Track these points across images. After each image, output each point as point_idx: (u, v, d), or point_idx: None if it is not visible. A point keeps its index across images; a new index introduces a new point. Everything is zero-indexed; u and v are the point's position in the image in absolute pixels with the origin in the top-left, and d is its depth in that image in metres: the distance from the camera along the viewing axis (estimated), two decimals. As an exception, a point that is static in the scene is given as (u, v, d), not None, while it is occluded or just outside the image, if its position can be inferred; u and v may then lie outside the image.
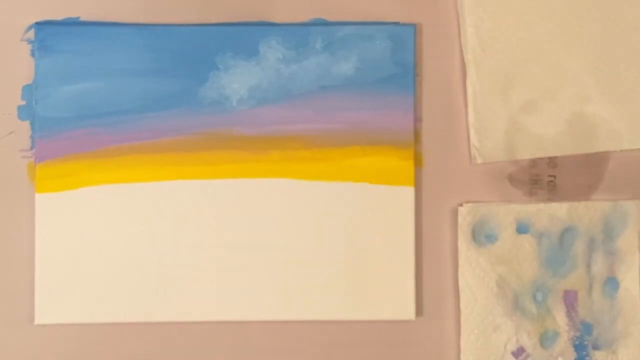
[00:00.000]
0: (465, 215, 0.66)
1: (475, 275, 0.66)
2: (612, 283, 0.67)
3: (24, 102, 0.66)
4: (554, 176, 0.68)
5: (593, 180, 0.68)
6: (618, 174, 0.68)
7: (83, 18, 0.66)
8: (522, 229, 0.67)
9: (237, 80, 0.66)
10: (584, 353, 0.67)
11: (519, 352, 0.67)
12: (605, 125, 0.67)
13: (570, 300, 0.67)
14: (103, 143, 0.65)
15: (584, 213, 0.67)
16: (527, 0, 0.66)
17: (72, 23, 0.66)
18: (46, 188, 0.65)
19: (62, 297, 0.65)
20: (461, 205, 0.67)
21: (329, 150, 0.66)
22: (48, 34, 0.65)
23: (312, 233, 0.65)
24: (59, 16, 0.66)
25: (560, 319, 0.67)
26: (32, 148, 0.65)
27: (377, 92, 0.66)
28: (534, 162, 0.68)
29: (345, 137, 0.66)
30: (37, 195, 0.65)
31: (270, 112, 0.66)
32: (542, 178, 0.68)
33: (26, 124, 0.66)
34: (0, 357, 0.65)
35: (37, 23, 0.65)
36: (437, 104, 0.67)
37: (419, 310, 0.66)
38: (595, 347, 0.67)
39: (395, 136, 0.66)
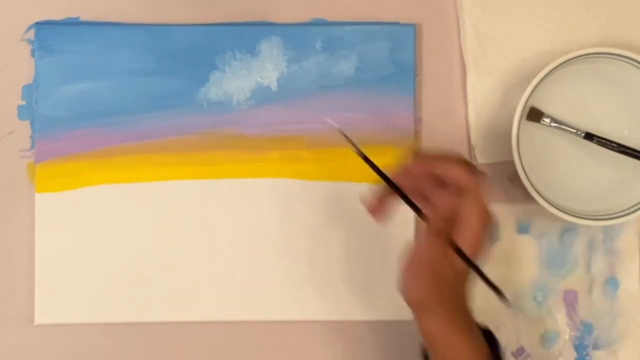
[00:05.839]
0: (465, 215, 0.66)
1: (476, 276, 0.66)
2: (612, 283, 0.67)
3: (24, 102, 0.66)
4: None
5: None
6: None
7: (83, 18, 0.66)
8: (522, 229, 0.67)
9: (237, 80, 0.66)
10: (584, 353, 0.67)
11: (519, 352, 0.67)
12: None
13: (570, 300, 0.67)
14: (103, 143, 0.65)
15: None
16: (526, 0, 0.66)
17: (72, 23, 0.66)
18: (46, 188, 0.65)
19: (62, 297, 0.65)
20: (461, 205, 0.67)
21: (328, 150, 0.66)
22: (48, 34, 0.65)
23: (312, 233, 0.65)
24: (59, 16, 0.66)
25: (560, 319, 0.67)
26: (32, 148, 0.65)
27: (377, 92, 0.66)
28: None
29: (345, 137, 0.66)
30: (37, 195, 0.65)
31: (270, 112, 0.66)
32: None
33: (26, 124, 0.66)
34: (0, 357, 0.65)
35: (37, 23, 0.65)
36: (437, 104, 0.67)
37: (419, 310, 0.66)
38: (595, 347, 0.67)
39: (395, 136, 0.66)
